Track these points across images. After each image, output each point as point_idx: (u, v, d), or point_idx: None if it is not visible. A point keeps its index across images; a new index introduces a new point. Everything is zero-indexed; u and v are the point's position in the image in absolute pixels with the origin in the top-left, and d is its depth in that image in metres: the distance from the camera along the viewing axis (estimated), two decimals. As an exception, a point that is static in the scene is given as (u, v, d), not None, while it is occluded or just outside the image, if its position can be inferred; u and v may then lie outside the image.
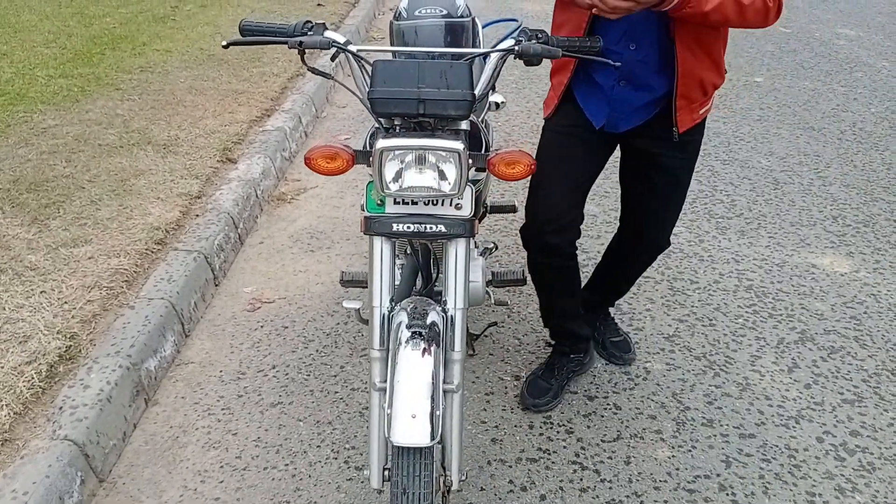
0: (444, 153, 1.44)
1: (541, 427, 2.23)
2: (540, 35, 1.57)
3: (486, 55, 1.58)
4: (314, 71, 1.60)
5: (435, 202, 1.53)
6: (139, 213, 3.04)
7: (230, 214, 3.10)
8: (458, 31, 1.98)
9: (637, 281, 2.43)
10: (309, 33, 1.57)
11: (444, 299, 1.62)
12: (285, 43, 1.53)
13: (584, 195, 2.05)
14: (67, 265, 2.67)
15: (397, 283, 1.80)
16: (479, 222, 2.00)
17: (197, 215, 3.09)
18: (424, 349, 1.48)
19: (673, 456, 2.13)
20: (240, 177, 3.43)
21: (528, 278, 2.24)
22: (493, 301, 2.23)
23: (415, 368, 1.45)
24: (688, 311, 2.78)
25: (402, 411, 1.42)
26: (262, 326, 2.67)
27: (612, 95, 1.86)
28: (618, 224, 2.27)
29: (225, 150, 3.69)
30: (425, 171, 1.46)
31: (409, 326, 1.52)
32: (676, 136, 1.89)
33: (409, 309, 1.57)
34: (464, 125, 1.54)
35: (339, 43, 1.55)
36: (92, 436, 1.98)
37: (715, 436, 2.20)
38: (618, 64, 1.58)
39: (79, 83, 4.57)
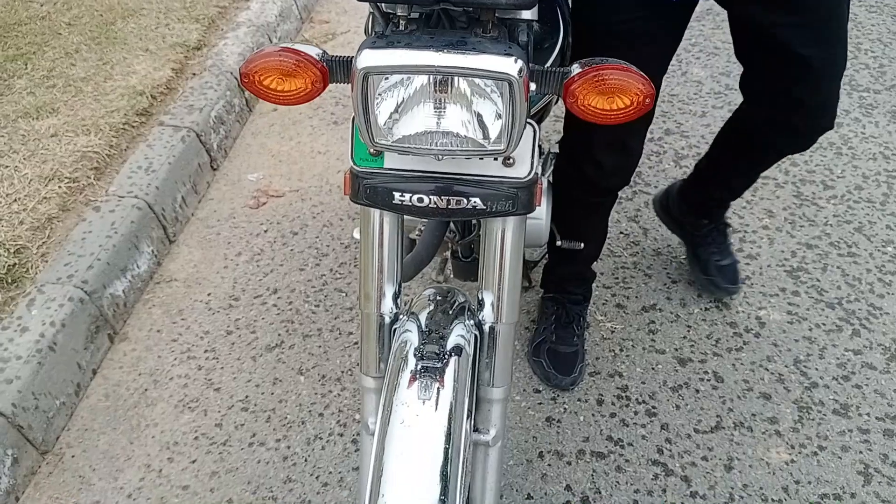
0: (482, 81, 0.78)
1: (613, 402, 1.68)
2: None
3: None
4: None
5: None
6: (121, 72, 2.43)
7: (235, 75, 2.47)
8: None
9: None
10: None
11: (479, 301, 1.02)
12: None
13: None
14: (25, 145, 2.12)
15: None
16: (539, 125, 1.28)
17: (193, 74, 2.46)
18: (437, 398, 0.91)
19: (792, 461, 1.57)
20: (251, 20, 2.74)
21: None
22: (558, 240, 1.60)
23: (416, 437, 0.89)
24: (819, 231, 2.09)
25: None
26: (265, 231, 2.12)
27: None
28: (735, 95, 1.58)
29: (238, -18, 2.97)
30: (448, 109, 0.81)
31: (417, 355, 0.94)
32: None
33: (422, 319, 0.99)
34: (527, 15, 0.86)
35: None
36: (27, 400, 1.53)
37: (851, 431, 1.61)
38: None
39: None
